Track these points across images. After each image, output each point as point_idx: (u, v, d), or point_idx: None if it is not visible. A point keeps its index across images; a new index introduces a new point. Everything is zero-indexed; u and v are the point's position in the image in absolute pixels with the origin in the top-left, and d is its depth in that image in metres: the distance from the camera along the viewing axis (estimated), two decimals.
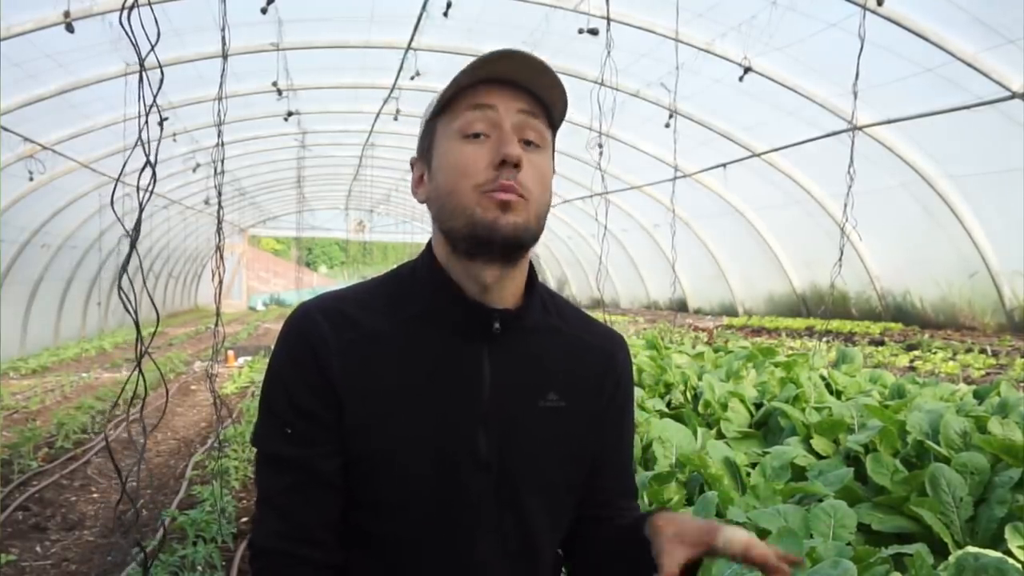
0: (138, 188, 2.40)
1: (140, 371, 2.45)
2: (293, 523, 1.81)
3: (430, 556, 1.84)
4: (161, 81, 2.51)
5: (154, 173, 2.35)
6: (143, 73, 2.42)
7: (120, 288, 2.34)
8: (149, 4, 2.39)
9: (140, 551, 2.97)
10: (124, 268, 2.35)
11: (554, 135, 1.89)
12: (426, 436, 1.80)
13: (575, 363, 1.99)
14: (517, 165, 1.73)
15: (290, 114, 16.96)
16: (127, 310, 2.38)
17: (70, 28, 10.49)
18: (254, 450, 1.90)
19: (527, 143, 1.79)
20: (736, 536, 1.66)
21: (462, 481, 1.83)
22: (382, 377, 1.80)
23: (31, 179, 15.48)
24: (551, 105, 1.83)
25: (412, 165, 1.94)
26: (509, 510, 1.88)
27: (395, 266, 2.02)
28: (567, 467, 1.97)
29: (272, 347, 1.89)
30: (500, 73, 1.76)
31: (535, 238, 1.83)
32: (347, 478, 1.83)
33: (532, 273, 1.95)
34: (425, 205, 1.90)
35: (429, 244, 1.94)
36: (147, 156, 2.35)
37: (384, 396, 1.80)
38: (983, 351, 13.83)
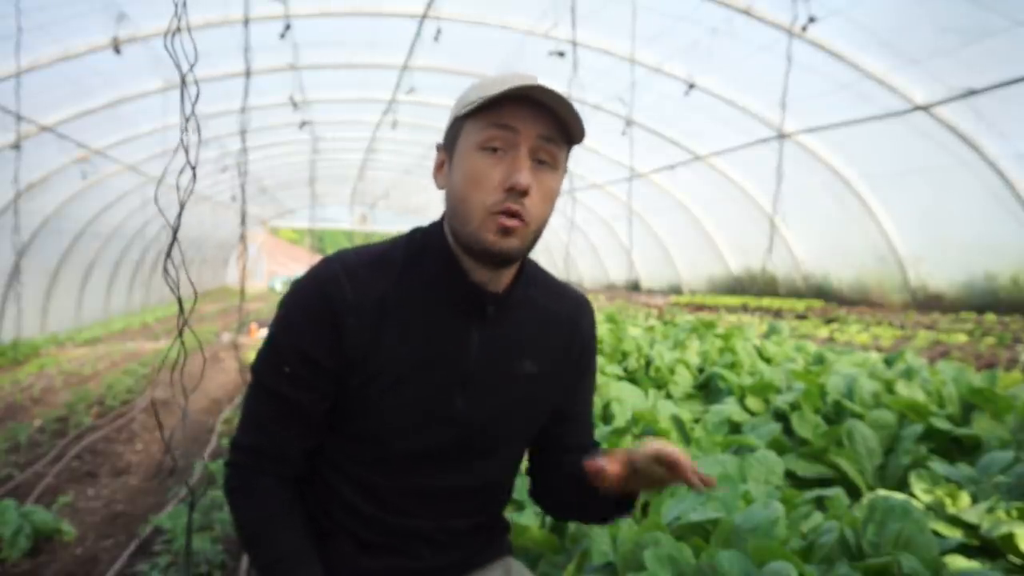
0: (177, 187, 2.39)
1: (182, 341, 2.45)
2: (273, 443, 1.85)
3: (407, 485, 1.89)
4: (197, 95, 2.49)
5: (194, 173, 2.34)
6: (184, 88, 2.40)
7: (165, 271, 2.34)
8: (188, 30, 2.36)
9: (189, 492, 2.94)
10: (168, 254, 2.35)
11: (568, 151, 1.81)
12: (413, 394, 1.81)
13: (546, 334, 1.97)
14: (525, 192, 1.68)
15: (304, 123, 16.93)
16: (172, 291, 2.37)
17: (117, 51, 10.48)
18: None
19: (540, 162, 1.72)
20: (647, 446, 1.72)
21: (439, 433, 1.86)
22: (385, 340, 1.79)
23: (84, 179, 15.43)
24: (570, 127, 1.73)
25: (437, 149, 1.87)
26: (479, 458, 1.93)
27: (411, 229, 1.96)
28: (532, 423, 2.02)
29: (292, 287, 1.87)
30: (528, 92, 1.66)
31: (528, 251, 1.81)
32: (338, 415, 1.86)
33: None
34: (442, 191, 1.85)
35: (443, 216, 1.88)
36: (188, 160, 2.34)
37: (384, 356, 1.79)
38: (891, 324, 13.88)
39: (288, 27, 10.77)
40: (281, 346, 1.82)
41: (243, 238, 6.65)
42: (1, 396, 10.91)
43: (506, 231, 1.69)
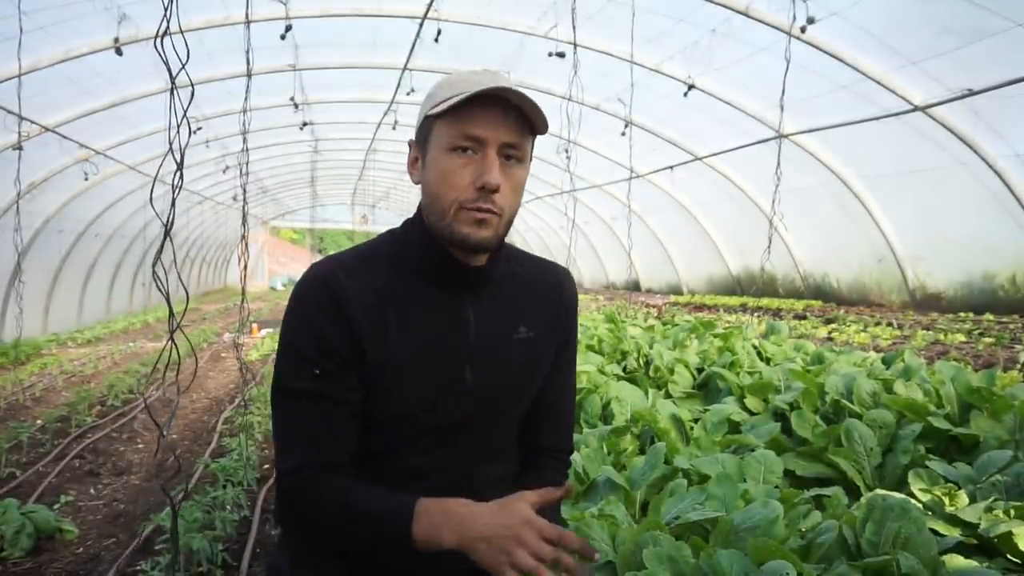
0: (173, 187, 2.37)
1: (173, 343, 2.42)
2: (321, 451, 1.83)
3: (429, 464, 1.91)
4: (192, 95, 2.47)
5: (182, 175, 2.32)
6: (174, 89, 2.38)
7: (155, 274, 2.31)
8: (181, 32, 2.35)
9: (170, 501, 2.89)
10: (158, 255, 2.33)
11: (534, 141, 1.90)
12: (424, 371, 1.87)
13: (535, 299, 2.08)
14: (496, 190, 1.77)
15: (305, 124, 16.93)
16: (160, 291, 2.35)
17: (119, 52, 10.47)
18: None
19: (508, 158, 1.81)
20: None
21: (453, 406, 1.91)
22: (389, 326, 1.85)
23: (86, 179, 15.41)
24: (535, 123, 1.82)
25: (410, 146, 1.96)
26: (491, 427, 2.00)
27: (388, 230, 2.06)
28: (533, 384, 2.09)
29: (294, 293, 1.90)
30: (493, 93, 1.74)
31: (500, 241, 1.91)
32: (364, 403, 1.87)
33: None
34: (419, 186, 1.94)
35: (420, 209, 1.96)
36: (177, 162, 2.32)
37: (391, 340, 1.84)
38: (890, 324, 13.86)
39: (289, 28, 10.75)
40: (303, 348, 1.84)
41: (244, 238, 6.64)
42: (3, 395, 10.91)
43: (480, 222, 1.79)
